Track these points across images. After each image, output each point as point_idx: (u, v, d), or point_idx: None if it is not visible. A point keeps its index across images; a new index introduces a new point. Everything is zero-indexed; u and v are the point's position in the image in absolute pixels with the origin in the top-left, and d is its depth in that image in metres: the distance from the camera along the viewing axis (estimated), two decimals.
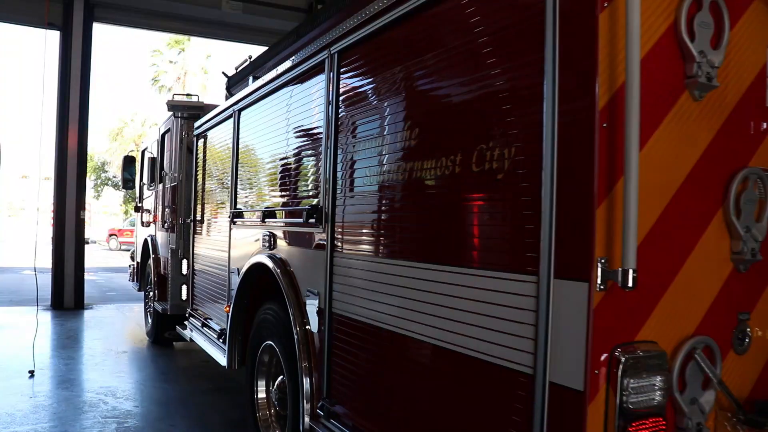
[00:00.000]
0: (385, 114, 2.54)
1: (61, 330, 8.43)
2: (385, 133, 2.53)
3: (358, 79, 2.77)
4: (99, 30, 14.31)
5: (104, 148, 44.75)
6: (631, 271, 1.50)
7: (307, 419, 3.00)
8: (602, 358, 1.57)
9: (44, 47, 7.90)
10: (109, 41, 68.95)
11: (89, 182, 33.26)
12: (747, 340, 1.89)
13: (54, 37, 10.28)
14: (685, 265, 1.75)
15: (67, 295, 10.24)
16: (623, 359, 1.56)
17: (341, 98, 2.88)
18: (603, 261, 1.55)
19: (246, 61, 5.28)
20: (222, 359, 4.44)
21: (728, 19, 1.80)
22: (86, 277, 10.80)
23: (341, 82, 2.89)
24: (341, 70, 2.90)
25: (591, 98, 1.57)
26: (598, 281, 1.55)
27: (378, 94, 2.60)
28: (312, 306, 3.10)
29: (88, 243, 15.95)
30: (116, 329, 8.74)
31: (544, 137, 1.67)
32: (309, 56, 3.20)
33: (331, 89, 2.96)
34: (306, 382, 3.04)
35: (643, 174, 1.56)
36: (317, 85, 3.15)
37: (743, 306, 1.89)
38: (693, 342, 1.74)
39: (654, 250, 1.66)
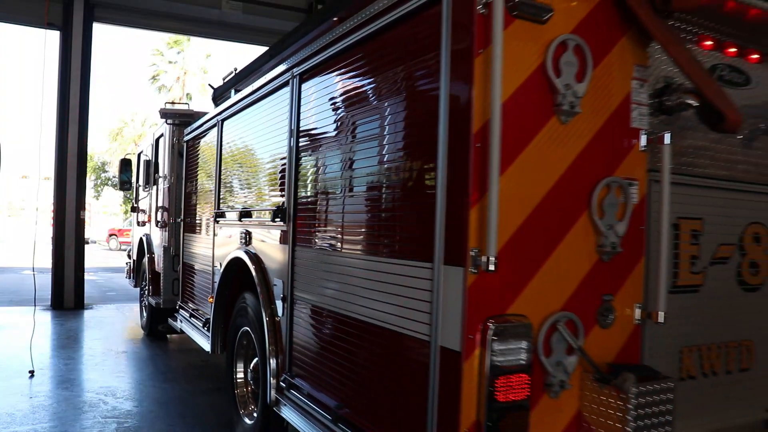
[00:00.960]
0: (332, 130, 3.02)
1: (61, 330, 8.43)
2: (332, 147, 3.03)
3: (313, 99, 3.26)
4: (99, 30, 14.33)
5: (104, 148, 44.74)
6: (492, 259, 1.94)
7: (273, 392, 3.45)
8: (476, 326, 2.01)
9: (44, 47, 7.91)
10: (109, 41, 69.00)
11: (89, 182, 33.25)
12: (611, 317, 2.31)
13: (54, 37, 10.28)
14: (553, 254, 2.17)
15: (67, 295, 10.24)
16: (493, 327, 2.00)
17: (301, 115, 3.36)
18: (475, 251, 1.99)
19: (232, 72, 5.60)
20: (206, 345, 4.93)
21: (591, 58, 2.21)
22: (86, 277, 10.80)
23: (302, 100, 3.36)
24: (302, 90, 3.38)
25: (467, 124, 2.01)
26: (471, 266, 1.99)
27: (327, 113, 3.08)
28: (278, 294, 3.55)
29: (88, 243, 15.96)
30: (116, 329, 8.74)
31: (439, 155, 2.12)
32: (277, 76, 3.68)
33: (293, 106, 3.44)
34: (272, 362, 3.49)
35: (514, 182, 2.05)
36: (283, 102, 3.60)
37: (607, 289, 2.30)
38: (556, 316, 2.16)
39: (524, 242, 2.10)
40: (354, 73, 2.83)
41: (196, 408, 5.08)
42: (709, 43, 2.62)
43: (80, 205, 10.35)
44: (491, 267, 1.95)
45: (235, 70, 5.58)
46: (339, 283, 2.86)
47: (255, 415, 3.92)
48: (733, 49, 2.68)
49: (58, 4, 10.13)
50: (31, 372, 5.89)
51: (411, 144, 2.38)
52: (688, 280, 2.60)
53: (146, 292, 7.80)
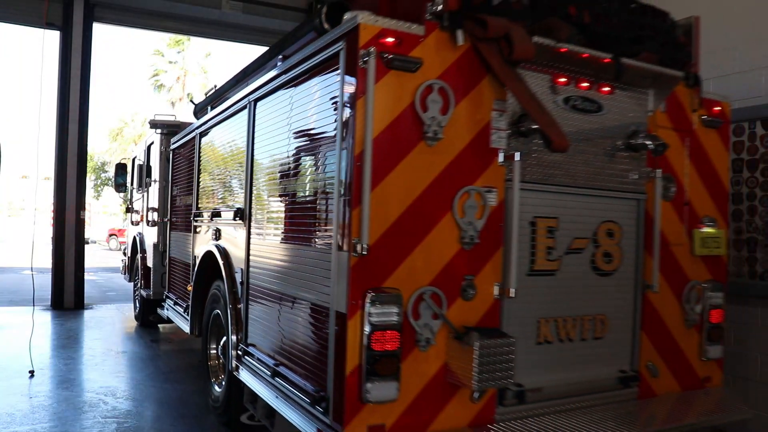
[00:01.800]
0: (272, 148, 3.80)
1: (61, 330, 8.43)
2: (272, 161, 3.80)
3: (262, 121, 3.99)
4: (99, 30, 14.31)
5: (104, 148, 44.73)
6: (365, 246, 2.64)
7: (233, 361, 4.17)
8: (358, 295, 2.69)
9: (43, 47, 7.90)
10: (109, 41, 68.98)
11: (89, 182, 33.28)
12: (472, 292, 2.95)
13: (54, 37, 10.28)
14: (421, 244, 2.84)
15: (67, 295, 10.24)
16: (370, 296, 2.69)
17: (255, 134, 4.08)
18: (356, 240, 2.66)
19: (212, 89, 6.33)
20: (186, 328, 5.68)
21: (454, 96, 2.88)
22: (86, 277, 10.80)
23: (256, 122, 4.07)
24: (256, 113, 4.08)
25: (351, 147, 2.71)
26: (353, 252, 2.67)
27: (270, 133, 3.84)
28: (239, 280, 4.25)
29: (88, 243, 15.97)
30: (116, 329, 8.74)
31: (336, 170, 2.85)
32: (239, 99, 4.37)
33: (250, 126, 4.14)
34: (233, 337, 4.23)
35: (387, 190, 2.75)
36: (243, 122, 4.29)
37: (468, 271, 2.95)
38: (423, 290, 2.83)
39: (397, 234, 2.78)
40: (288, 103, 3.58)
41: (196, 408, 5.08)
42: (563, 80, 3.27)
43: (80, 205, 10.36)
44: (364, 252, 2.65)
45: (215, 87, 6.23)
46: (275, 268, 3.64)
47: (222, 381, 4.68)
48: (585, 84, 3.36)
49: (58, 4, 10.14)
50: (31, 372, 5.89)
51: (320, 163, 3.14)
52: (545, 266, 3.27)
53: (139, 285, 8.56)
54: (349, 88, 2.78)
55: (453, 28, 2.90)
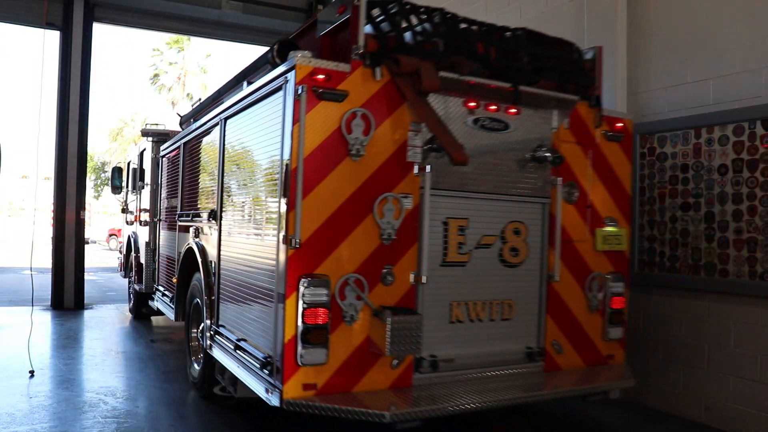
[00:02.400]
0: (235, 160, 4.55)
1: (61, 330, 8.43)
2: (236, 171, 4.55)
3: (229, 138, 4.71)
4: (99, 30, 14.30)
5: (104, 148, 44.73)
6: (298, 240, 3.34)
7: (207, 341, 4.87)
8: (294, 279, 3.38)
9: (44, 47, 7.90)
10: (109, 41, 68.96)
11: (89, 182, 33.26)
12: (390, 279, 3.62)
13: (54, 37, 10.28)
14: (347, 239, 3.51)
15: (67, 295, 10.24)
16: (303, 280, 3.39)
17: (225, 147, 4.77)
18: (292, 236, 3.35)
19: (197, 101, 7.24)
20: (171, 316, 6.41)
21: (374, 121, 3.55)
22: (86, 277, 10.80)
23: (226, 137, 4.76)
24: (226, 130, 4.74)
25: (289, 164, 3.42)
26: (289, 245, 3.36)
27: (235, 148, 4.57)
28: (212, 271, 4.95)
29: (88, 243, 15.95)
30: (116, 329, 8.74)
31: (278, 181, 3.58)
32: (213, 117, 5.12)
33: (221, 141, 4.84)
34: (208, 321, 4.93)
35: (318, 197, 3.43)
36: (216, 136, 5.03)
37: (387, 261, 3.61)
38: (347, 276, 3.50)
39: (326, 232, 3.45)
40: (248, 123, 4.28)
41: (196, 408, 5.08)
42: (473, 104, 3.90)
43: (80, 205, 10.35)
44: (297, 245, 3.35)
45: (200, 100, 7.03)
46: (239, 260, 4.35)
47: (200, 360, 5.30)
48: (493, 107, 3.97)
49: (58, 4, 10.13)
50: (31, 372, 5.89)
51: (269, 174, 3.85)
52: (456, 258, 3.91)
53: (133, 280, 9.38)
54: (288, 115, 3.48)
55: (373, 65, 3.58)
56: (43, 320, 8.99)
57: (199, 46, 41.52)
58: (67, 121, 10.17)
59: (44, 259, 11.38)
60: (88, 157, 13.14)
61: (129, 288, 9.93)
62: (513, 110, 4.05)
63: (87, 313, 9.88)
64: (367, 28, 3.62)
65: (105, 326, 8.92)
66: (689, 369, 5.05)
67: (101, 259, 23.52)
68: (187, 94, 41.85)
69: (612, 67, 5.67)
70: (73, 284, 10.29)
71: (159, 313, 7.75)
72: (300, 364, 3.38)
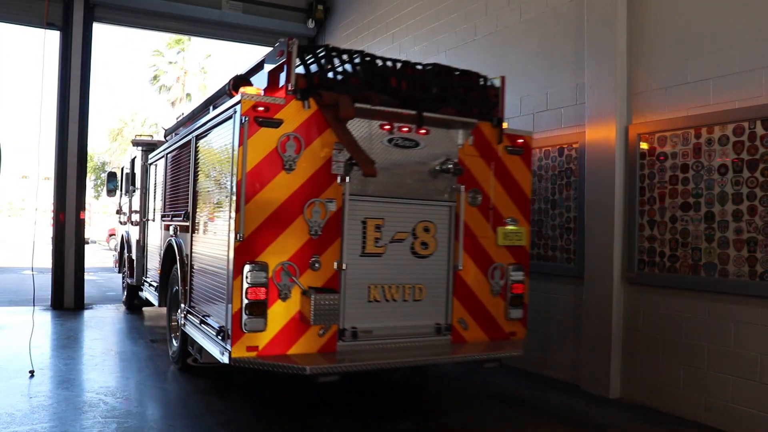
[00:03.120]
0: (203, 171, 5.47)
1: (61, 330, 8.43)
2: (203, 180, 5.47)
3: (199, 153, 5.65)
4: (99, 30, 14.29)
5: (104, 148, 44.72)
6: (241, 235, 4.22)
7: (183, 320, 5.78)
8: (240, 265, 4.24)
9: (44, 47, 7.90)
10: (109, 41, 68.90)
11: (89, 182, 33.24)
12: (318, 266, 4.49)
13: (54, 37, 10.28)
14: (282, 234, 4.38)
15: (67, 295, 10.23)
16: (247, 266, 4.23)
17: (197, 160, 5.68)
18: (238, 232, 4.23)
19: (181, 115, 8.10)
20: (156, 302, 7.38)
21: (304, 142, 4.44)
22: (86, 277, 10.78)
23: (198, 153, 5.66)
24: (198, 147, 5.66)
25: (236, 177, 4.27)
26: (236, 239, 4.23)
27: (203, 161, 5.52)
28: (185, 262, 5.90)
29: (88, 243, 15.98)
30: (116, 329, 8.74)
31: (229, 191, 4.44)
32: (186, 134, 6.15)
33: (192, 155, 5.78)
34: (183, 304, 5.85)
35: (260, 202, 4.30)
36: (189, 151, 5.95)
37: (315, 252, 4.48)
38: (282, 263, 4.36)
39: (266, 229, 4.32)
40: (211, 142, 5.20)
41: (196, 408, 5.08)
42: (387, 126, 4.76)
43: (80, 205, 10.34)
44: (240, 239, 4.26)
45: (182, 114, 7.90)
46: (204, 252, 5.33)
47: (178, 337, 6.23)
48: (405, 128, 4.83)
49: (58, 4, 10.13)
50: (31, 372, 5.89)
51: (224, 183, 4.70)
52: (373, 250, 4.75)
53: (125, 275, 10.35)
54: (236, 139, 4.37)
55: (303, 99, 4.45)
56: (43, 320, 8.99)
57: (199, 46, 41.50)
58: (67, 121, 10.16)
59: (44, 259, 11.39)
60: (88, 157, 13.14)
61: (122, 282, 11.01)
62: (423, 131, 4.89)
63: (87, 313, 9.88)
64: (301, 69, 4.50)
65: (105, 326, 8.91)
66: (689, 369, 5.05)
67: (101, 259, 23.50)
68: (187, 95, 41.82)
69: (612, 66, 5.68)
70: (73, 284, 10.28)
71: (148, 304, 8.65)
72: (244, 330, 4.27)
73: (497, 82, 5.31)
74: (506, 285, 5.24)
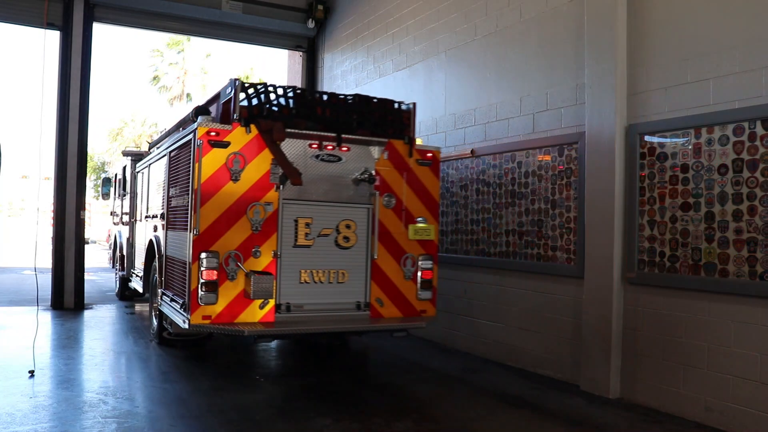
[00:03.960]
0: (174, 180, 6.58)
1: (61, 330, 8.43)
2: (174, 187, 6.56)
3: (172, 165, 6.73)
4: (99, 30, 14.30)
5: (104, 148, 44.71)
6: (197, 231, 5.47)
7: (159, 301, 6.87)
8: (196, 253, 5.47)
9: (44, 47, 7.90)
10: (109, 41, 68.86)
11: (89, 182, 33.21)
12: (259, 253, 5.61)
13: (54, 37, 10.28)
14: (229, 230, 5.54)
15: (67, 295, 10.23)
16: (203, 254, 5.47)
17: (170, 172, 6.78)
18: (195, 228, 5.48)
19: (164, 130, 9.23)
20: (141, 289, 8.82)
21: (248, 159, 5.61)
22: (86, 277, 10.78)
23: (171, 165, 6.75)
24: (171, 160, 6.74)
25: (194, 185, 5.52)
26: (193, 233, 5.51)
27: (175, 172, 6.55)
28: (163, 254, 6.96)
29: (88, 243, 15.97)
30: (116, 329, 8.74)
31: (190, 196, 5.70)
32: (165, 149, 7.14)
33: (167, 167, 6.89)
34: (159, 290, 6.92)
35: (212, 205, 5.54)
36: (165, 163, 7.06)
37: (256, 243, 5.61)
38: (230, 252, 5.55)
39: (217, 226, 5.52)
40: (179, 157, 6.37)
41: (197, 408, 5.08)
42: (315, 144, 5.92)
43: (80, 205, 10.35)
44: (196, 233, 5.42)
45: (165, 129, 9.07)
46: (173, 245, 6.51)
47: (156, 316, 7.49)
48: (330, 146, 5.98)
49: (58, 4, 10.13)
50: (32, 372, 5.89)
51: (187, 190, 5.86)
52: (304, 242, 5.89)
53: (117, 269, 11.85)
54: (194, 156, 5.58)
55: (245, 125, 5.64)
56: (44, 320, 8.99)
57: (199, 46, 41.48)
58: (67, 121, 10.16)
59: (44, 258, 11.38)
60: (88, 157, 13.15)
61: (115, 276, 12.47)
62: (344, 148, 6.03)
63: (87, 313, 9.88)
64: (245, 102, 5.71)
65: (105, 326, 8.92)
66: (689, 369, 5.05)
67: (101, 259, 23.49)
68: (187, 95, 41.81)
69: (612, 66, 5.68)
70: (73, 284, 10.27)
71: (137, 294, 9.94)
72: (200, 303, 5.48)
73: (409, 107, 6.40)
74: (417, 271, 6.27)
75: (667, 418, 5.08)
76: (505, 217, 7.07)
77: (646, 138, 5.47)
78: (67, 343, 7.57)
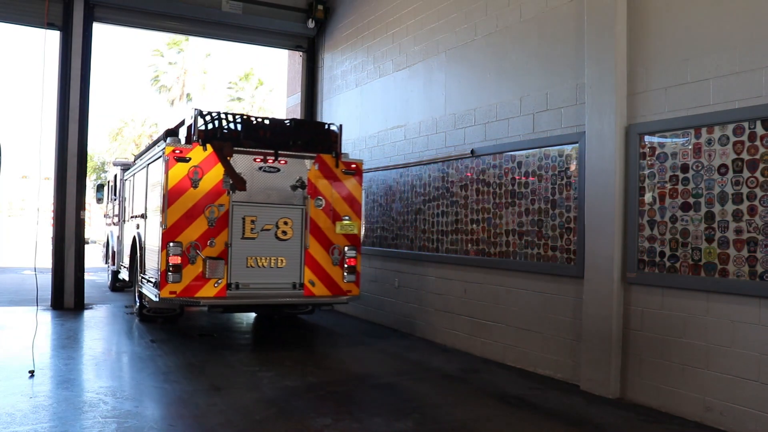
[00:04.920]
0: (151, 186, 8.39)
1: (61, 330, 8.43)
2: (151, 191, 8.38)
3: (150, 174, 8.47)
4: (99, 30, 14.29)
5: (104, 148, 44.68)
6: (166, 225, 7.09)
7: (139, 284, 8.61)
8: (165, 243, 7.08)
9: (44, 47, 7.90)
10: (109, 41, 68.84)
11: (89, 182, 33.18)
12: (214, 244, 7.24)
13: (54, 37, 10.28)
14: (190, 226, 7.16)
15: (67, 295, 10.23)
16: (170, 243, 7.10)
17: (148, 180, 8.51)
18: (163, 224, 7.13)
19: (146, 145, 10.67)
20: (128, 278, 10.43)
21: (205, 171, 7.22)
22: (86, 277, 10.79)
23: (148, 174, 8.59)
24: (148, 170, 8.58)
25: (163, 191, 7.17)
26: (163, 228, 7.13)
27: (152, 180, 8.32)
28: (143, 246, 8.59)
29: (88, 243, 15.99)
30: (116, 329, 8.74)
31: (160, 199, 7.31)
32: (145, 160, 8.80)
33: (146, 175, 8.75)
34: (139, 275, 8.67)
35: (177, 207, 7.15)
36: (144, 172, 8.86)
37: (212, 236, 7.24)
38: (191, 242, 7.17)
39: (180, 222, 7.14)
40: (154, 169, 8.05)
41: (196, 408, 5.08)
42: (259, 158, 7.44)
43: (80, 205, 10.35)
44: (164, 228, 7.05)
45: (147, 144, 10.36)
46: (150, 237, 8.19)
47: (138, 297, 9.06)
48: (271, 159, 7.51)
49: (58, 4, 10.13)
50: (31, 372, 5.89)
51: (158, 195, 7.42)
52: (250, 235, 7.35)
53: (109, 264, 13.35)
54: (164, 169, 7.07)
55: (203, 144, 7.15)
56: (44, 320, 9.00)
57: (199, 46, 41.45)
58: (67, 121, 10.16)
59: (44, 258, 11.38)
60: (88, 157, 13.16)
61: (108, 270, 13.89)
62: (283, 162, 7.61)
63: (87, 313, 9.89)
64: (202, 126, 7.30)
65: (105, 326, 8.92)
66: (689, 369, 5.05)
67: (101, 259, 23.48)
68: (187, 95, 41.78)
69: (612, 66, 5.68)
70: (73, 284, 10.28)
71: (126, 285, 11.94)
72: (168, 282, 7.02)
73: (336, 128, 8.02)
74: (343, 259, 7.84)
75: (667, 418, 5.08)
76: (505, 217, 7.07)
77: (646, 138, 5.47)
78: (67, 343, 7.57)
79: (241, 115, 7.60)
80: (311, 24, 11.93)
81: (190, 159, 7.08)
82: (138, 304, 8.98)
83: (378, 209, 9.75)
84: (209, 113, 7.36)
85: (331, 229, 7.77)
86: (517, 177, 6.93)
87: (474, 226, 7.55)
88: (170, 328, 8.71)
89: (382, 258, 9.58)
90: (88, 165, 11.43)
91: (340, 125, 8.08)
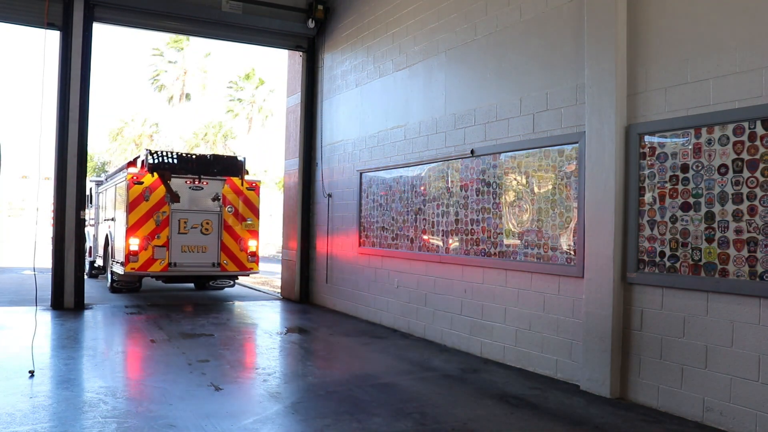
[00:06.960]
0: (120, 197, 12.67)
1: (61, 330, 8.43)
2: (120, 200, 12.69)
3: (117, 190, 13.10)
4: (99, 30, 14.30)
5: (104, 148, 44.69)
6: (127, 225, 11.62)
7: (111, 264, 13.12)
8: (128, 237, 11.59)
9: (44, 47, 7.90)
10: (109, 41, 68.84)
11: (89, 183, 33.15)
12: (159, 237, 11.87)
13: (54, 37, 10.28)
14: (144, 225, 11.69)
15: (67, 295, 10.24)
16: (131, 237, 11.59)
17: (116, 195, 13.09)
18: (126, 224, 11.55)
19: (117, 167, 14.13)
20: (102, 264, 14.40)
21: (153, 188, 11.80)
22: (86, 276, 10.80)
23: (116, 191, 13.07)
24: (116, 187, 13.17)
25: (126, 203, 11.80)
26: (126, 226, 11.73)
27: (120, 193, 12.65)
28: (113, 240, 13.01)
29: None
30: (116, 329, 8.75)
31: (124, 208, 11.93)
32: (112, 182, 13.90)
33: (114, 192, 13.32)
34: (110, 261, 13.13)
35: (135, 213, 11.71)
36: (114, 188, 13.45)
37: (158, 232, 11.92)
38: (145, 235, 11.59)
39: (138, 222, 11.65)
40: (122, 186, 12.23)
41: (197, 408, 5.08)
42: (189, 181, 12.06)
43: (80, 205, 10.36)
44: (127, 227, 11.55)
45: (118, 166, 14.34)
46: (117, 233, 12.75)
47: (109, 274, 13.43)
48: (197, 181, 12.13)
49: (58, 4, 10.13)
50: (31, 372, 5.89)
51: (123, 205, 12.02)
52: (183, 231, 11.97)
53: (89, 256, 15.66)
54: (126, 188, 11.63)
55: (151, 172, 11.72)
56: (43, 320, 9.00)
57: (199, 45, 41.45)
58: (67, 121, 10.17)
59: (44, 258, 11.41)
60: (88, 157, 13.19)
61: (87, 261, 15.72)
62: (205, 183, 12.03)
63: (87, 313, 9.89)
64: (151, 159, 11.72)
65: (105, 326, 8.92)
66: (689, 369, 5.05)
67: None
68: (187, 94, 41.78)
69: (612, 66, 5.68)
70: (73, 284, 10.29)
71: (100, 271, 14.99)
72: (130, 261, 11.34)
73: (243, 159, 12.63)
74: (247, 247, 12.32)
75: (666, 418, 5.08)
76: (505, 217, 7.08)
77: (646, 138, 5.47)
78: (67, 343, 7.57)
79: (177, 153, 12.15)
80: (311, 24, 11.93)
81: (143, 182, 11.47)
82: (110, 280, 13.07)
83: (378, 209, 9.75)
84: (156, 152, 11.99)
85: (239, 227, 12.28)
86: (517, 177, 6.93)
87: (474, 226, 7.56)
88: (170, 328, 8.72)
89: (381, 258, 9.58)
90: (88, 165, 11.44)
91: (245, 157, 12.88)
